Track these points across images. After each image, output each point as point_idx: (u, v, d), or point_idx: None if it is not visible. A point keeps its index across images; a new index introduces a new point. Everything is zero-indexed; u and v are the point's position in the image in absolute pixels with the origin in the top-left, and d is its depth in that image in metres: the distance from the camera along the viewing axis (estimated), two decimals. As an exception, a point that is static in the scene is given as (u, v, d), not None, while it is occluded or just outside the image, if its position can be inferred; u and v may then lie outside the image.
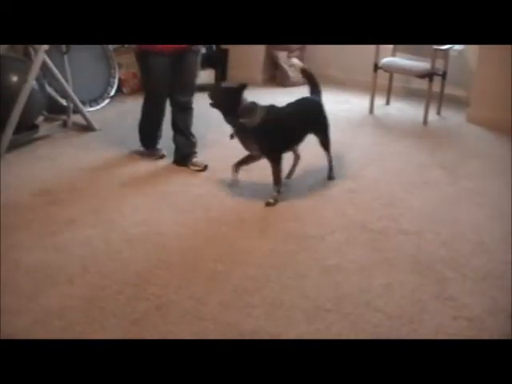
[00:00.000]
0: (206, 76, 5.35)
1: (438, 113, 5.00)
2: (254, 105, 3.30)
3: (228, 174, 3.58)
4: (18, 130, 3.84)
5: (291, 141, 3.49)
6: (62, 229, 2.97)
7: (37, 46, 3.95)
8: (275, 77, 5.86)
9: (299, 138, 3.53)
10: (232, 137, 3.38)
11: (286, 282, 2.59)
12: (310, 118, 3.55)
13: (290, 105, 3.56)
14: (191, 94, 3.77)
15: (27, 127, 4.02)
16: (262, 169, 3.78)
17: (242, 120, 3.26)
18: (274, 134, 3.32)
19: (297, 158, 3.65)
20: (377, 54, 4.85)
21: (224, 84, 3.49)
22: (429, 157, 4.10)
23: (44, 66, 3.99)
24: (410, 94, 5.39)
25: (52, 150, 3.97)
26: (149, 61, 3.61)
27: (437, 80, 4.73)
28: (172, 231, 2.99)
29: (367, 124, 4.79)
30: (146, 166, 3.77)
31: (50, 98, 4.34)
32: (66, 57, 4.29)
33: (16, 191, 3.35)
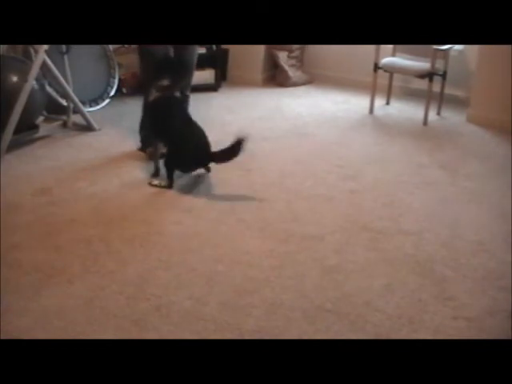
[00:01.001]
0: (206, 76, 5.36)
1: (438, 113, 5.00)
2: (168, 87, 3.50)
3: (228, 175, 3.59)
4: (18, 130, 3.84)
5: (157, 131, 3.57)
6: (62, 229, 2.97)
7: (37, 46, 3.96)
8: (275, 77, 5.86)
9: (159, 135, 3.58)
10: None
11: (286, 281, 2.59)
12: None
13: (180, 109, 3.59)
14: (189, 81, 3.89)
15: (27, 127, 4.02)
16: (262, 169, 3.79)
17: (153, 88, 3.51)
18: (150, 113, 3.62)
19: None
20: (377, 54, 4.84)
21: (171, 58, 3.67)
22: (429, 157, 4.10)
23: (44, 65, 3.99)
24: (410, 94, 5.39)
25: (52, 150, 3.97)
26: (155, 55, 3.64)
27: (437, 80, 4.74)
28: (172, 231, 2.99)
29: (367, 124, 4.79)
30: (146, 165, 3.77)
31: (50, 98, 4.34)
32: (66, 57, 4.30)
33: (16, 191, 3.35)
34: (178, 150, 3.43)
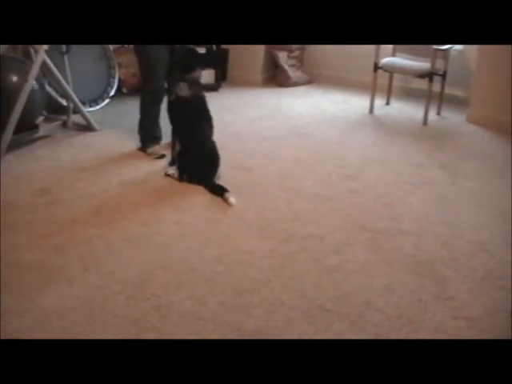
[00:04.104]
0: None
1: (438, 113, 5.00)
2: (195, 83, 3.55)
3: (228, 174, 3.58)
4: (18, 130, 3.84)
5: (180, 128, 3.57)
6: (62, 229, 2.97)
7: (37, 46, 3.96)
8: (275, 77, 5.86)
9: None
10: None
11: (286, 281, 2.59)
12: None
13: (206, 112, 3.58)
14: None
15: (27, 127, 4.02)
16: (262, 169, 3.79)
17: (181, 82, 3.49)
18: (172, 109, 3.57)
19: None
20: (377, 54, 4.84)
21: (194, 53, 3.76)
22: (429, 157, 4.10)
23: (44, 65, 3.99)
24: (410, 94, 5.39)
25: (52, 150, 3.97)
26: (151, 55, 3.65)
27: (437, 80, 4.74)
28: (172, 231, 2.99)
29: (367, 124, 4.79)
30: (146, 165, 3.77)
31: (50, 98, 4.34)
32: (65, 57, 4.30)
33: (16, 191, 3.35)
34: (191, 156, 3.49)
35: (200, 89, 3.59)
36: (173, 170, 3.58)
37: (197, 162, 3.50)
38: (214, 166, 3.52)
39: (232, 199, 3.26)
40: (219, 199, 3.32)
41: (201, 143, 3.50)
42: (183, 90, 3.49)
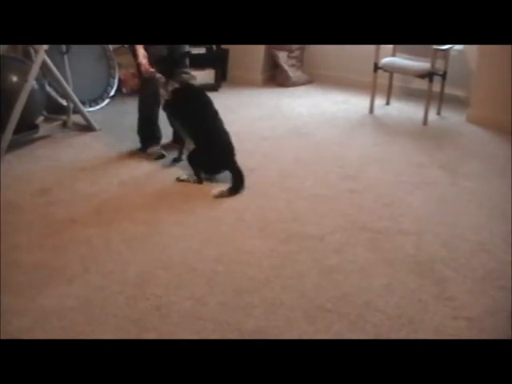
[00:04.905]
0: (206, 76, 5.36)
1: (438, 113, 4.99)
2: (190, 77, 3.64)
3: (227, 174, 3.58)
4: (18, 130, 3.84)
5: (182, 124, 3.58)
6: (62, 229, 2.97)
7: (37, 46, 3.96)
8: (275, 77, 5.86)
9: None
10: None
11: (286, 281, 2.59)
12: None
13: (207, 101, 3.60)
14: None
15: (27, 127, 4.02)
16: (262, 169, 3.79)
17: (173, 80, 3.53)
18: (173, 104, 3.56)
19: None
20: (377, 54, 4.84)
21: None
22: (429, 157, 4.09)
23: (44, 65, 3.99)
24: (410, 94, 5.39)
25: (52, 150, 3.97)
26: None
27: (437, 80, 4.73)
28: (172, 231, 2.99)
29: (367, 124, 4.79)
30: (146, 165, 3.77)
31: (50, 98, 4.34)
32: (65, 57, 4.30)
33: (16, 191, 3.35)
34: (204, 149, 3.44)
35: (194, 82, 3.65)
36: (186, 175, 3.53)
37: (211, 156, 3.46)
38: (230, 155, 3.51)
39: (214, 191, 3.29)
40: (219, 200, 3.32)
41: (215, 137, 3.48)
42: (185, 78, 3.56)
